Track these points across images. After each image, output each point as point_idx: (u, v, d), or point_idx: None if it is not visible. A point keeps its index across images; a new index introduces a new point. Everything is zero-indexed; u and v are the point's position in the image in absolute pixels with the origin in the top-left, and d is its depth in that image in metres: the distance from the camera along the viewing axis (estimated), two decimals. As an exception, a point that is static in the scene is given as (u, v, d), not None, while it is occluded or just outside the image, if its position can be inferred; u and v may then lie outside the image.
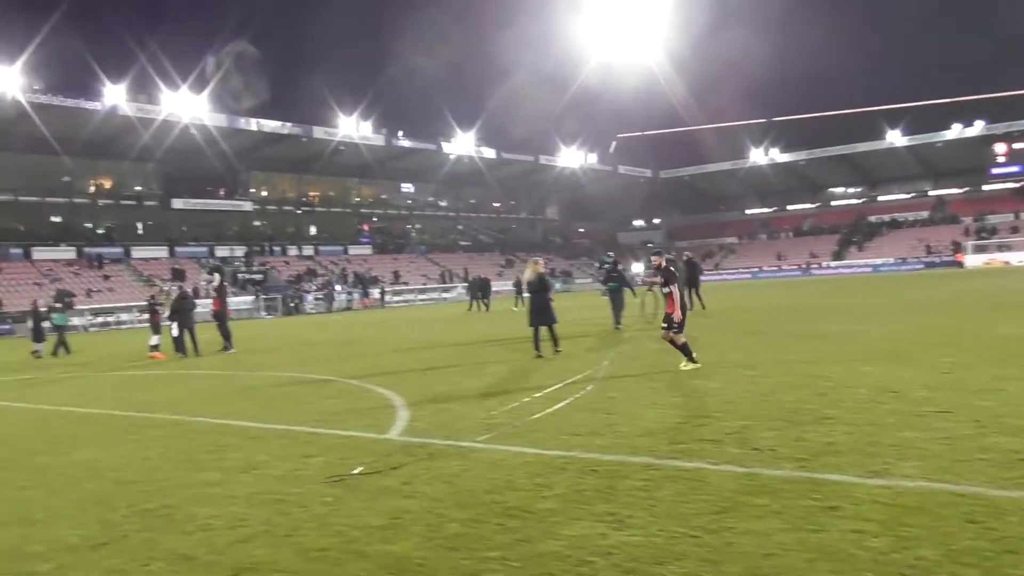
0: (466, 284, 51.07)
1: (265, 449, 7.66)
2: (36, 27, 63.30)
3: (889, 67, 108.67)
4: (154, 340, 20.22)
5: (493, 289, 42.25)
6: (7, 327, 43.87)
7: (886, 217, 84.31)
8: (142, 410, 10.80)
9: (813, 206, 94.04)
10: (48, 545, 5.09)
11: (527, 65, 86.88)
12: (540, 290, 14.65)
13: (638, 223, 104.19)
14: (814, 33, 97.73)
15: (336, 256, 68.88)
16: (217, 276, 21.40)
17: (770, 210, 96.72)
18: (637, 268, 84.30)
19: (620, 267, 21.09)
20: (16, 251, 53.12)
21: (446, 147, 71.36)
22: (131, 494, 6.21)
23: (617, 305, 19.85)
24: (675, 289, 11.40)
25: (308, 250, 67.85)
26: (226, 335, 21.05)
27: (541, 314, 14.51)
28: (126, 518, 5.57)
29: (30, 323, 25.82)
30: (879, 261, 73.55)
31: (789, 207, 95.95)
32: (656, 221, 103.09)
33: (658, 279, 11.77)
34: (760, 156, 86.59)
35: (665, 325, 11.44)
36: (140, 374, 16.52)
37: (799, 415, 7.75)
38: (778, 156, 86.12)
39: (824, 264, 77.63)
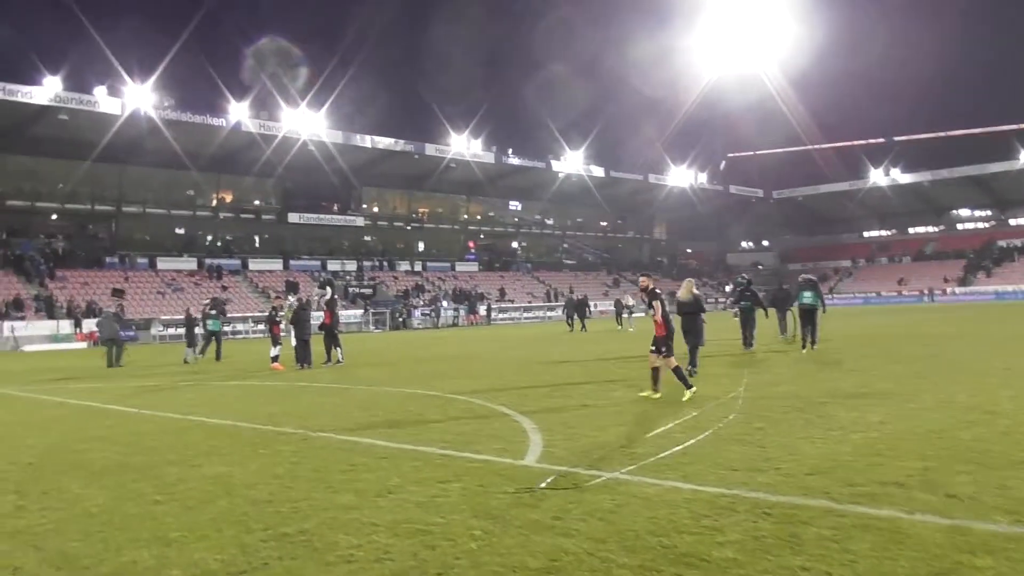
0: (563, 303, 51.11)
1: (398, 471, 7.27)
2: (167, 46, 66.66)
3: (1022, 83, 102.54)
4: (274, 351, 20.42)
5: (595, 309, 41.86)
6: (131, 333, 45.79)
7: (1018, 242, 79.15)
8: (269, 423, 10.65)
9: (936, 229, 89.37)
10: (187, 570, 4.77)
11: (638, 82, 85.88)
12: (694, 311, 14.51)
13: (746, 244, 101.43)
14: (940, 47, 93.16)
15: (443, 272, 69.48)
16: (329, 289, 21.51)
17: (889, 233, 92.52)
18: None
19: (753, 287, 20.25)
20: (142, 261, 55.70)
21: (555, 165, 71.13)
22: (267, 515, 5.89)
23: (748, 325, 19.29)
24: (659, 309, 11.22)
25: (416, 266, 68.70)
26: (336, 347, 21.14)
27: (691, 335, 14.35)
28: (264, 543, 5.22)
29: (184, 330, 26.79)
30: (1010, 288, 69.02)
31: (910, 230, 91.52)
32: (765, 243, 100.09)
33: (652, 300, 11.46)
34: (880, 177, 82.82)
35: (653, 348, 11.29)
36: (261, 384, 16.60)
37: (988, 457, 6.88)
38: (900, 177, 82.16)
39: (949, 291, 73.41)
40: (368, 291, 60.03)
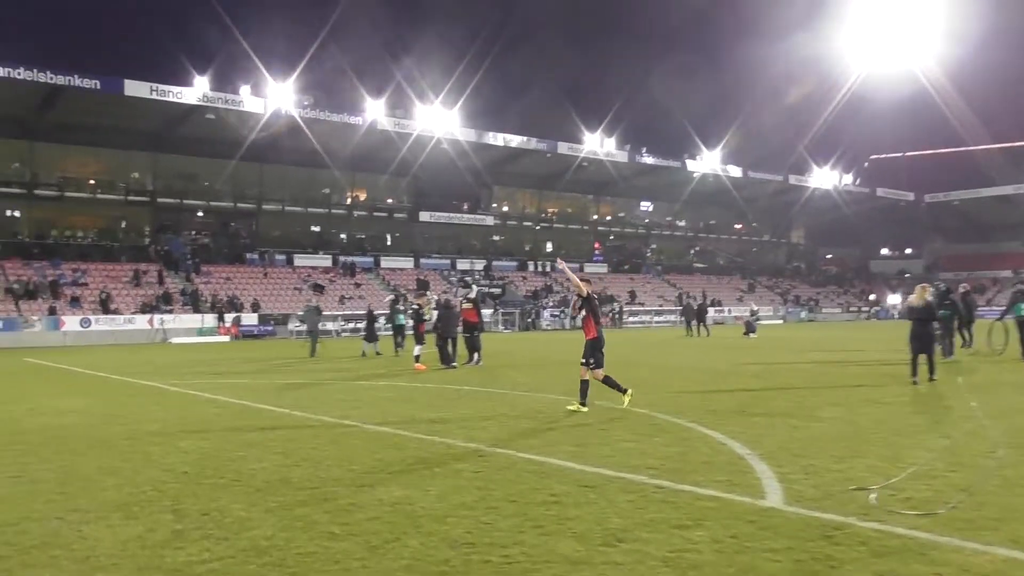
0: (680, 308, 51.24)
1: (613, 506, 5.92)
2: (308, 45, 68.14)
3: None
4: (418, 350, 19.59)
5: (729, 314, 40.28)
6: (269, 328, 46.68)
7: None
8: (432, 432, 9.54)
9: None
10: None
11: (780, 79, 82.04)
12: (927, 317, 13.75)
13: (885, 251, 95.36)
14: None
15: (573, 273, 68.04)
16: (475, 288, 20.57)
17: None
18: (894, 300, 76.79)
19: (952, 295, 18.04)
20: (280, 257, 56.86)
21: (690, 165, 68.55)
22: (475, 567, 4.65)
23: (947, 334, 17.31)
24: (591, 316, 11.04)
25: (544, 266, 67.58)
26: (476, 348, 20.26)
27: (922, 341, 13.77)
28: (487, 612, 3.97)
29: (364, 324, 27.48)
30: None
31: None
32: (908, 251, 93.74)
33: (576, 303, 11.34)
34: (1052, 179, 75.86)
35: (583, 360, 11.06)
36: (409, 385, 15.66)
37: None
38: (1074, 179, 75.04)
39: None
40: (497, 291, 59.32)
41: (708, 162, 69.02)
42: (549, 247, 72.20)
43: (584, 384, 11.03)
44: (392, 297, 30.35)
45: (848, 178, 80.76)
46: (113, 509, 6.14)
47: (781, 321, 64.82)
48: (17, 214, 50.50)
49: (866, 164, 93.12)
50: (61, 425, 10.84)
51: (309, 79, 51.21)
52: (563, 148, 61.85)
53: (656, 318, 62.13)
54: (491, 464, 7.61)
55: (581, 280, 11.50)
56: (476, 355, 20.10)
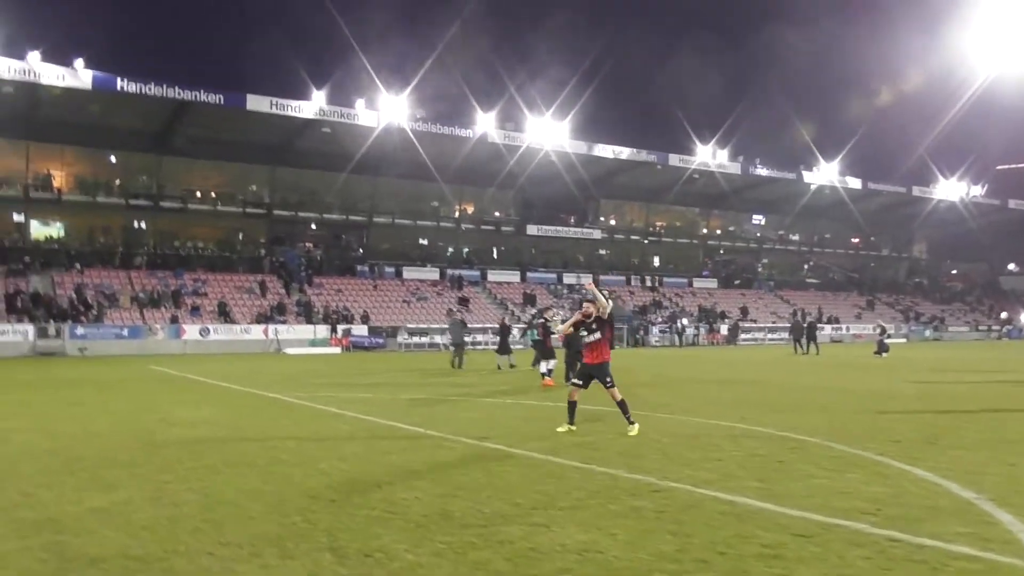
0: (789, 326, 49.66)
1: (850, 566, 4.90)
2: (421, 59, 68.77)
3: None
4: (543, 366, 18.81)
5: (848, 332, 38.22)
6: (380, 340, 46.87)
7: None
8: (587, 460, 8.65)
9: None
10: None
11: (903, 85, 78.07)
12: None
13: (1012, 267, 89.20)
14: None
15: (680, 288, 66.31)
16: (610, 302, 19.57)
17: None
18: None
19: None
20: (390, 270, 57.32)
21: (807, 176, 65.81)
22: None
23: None
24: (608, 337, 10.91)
25: (651, 281, 65.98)
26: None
27: None
28: None
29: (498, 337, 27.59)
30: None
31: None
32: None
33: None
34: None
35: (578, 381, 11.03)
36: (538, 404, 14.85)
37: None
38: None
39: None
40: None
41: (825, 173, 66.14)
42: (656, 261, 70.64)
43: (620, 405, 10.67)
44: (536, 311, 30.92)
45: (977, 189, 76.03)
46: (266, 543, 5.50)
47: (904, 340, 61.19)
48: (143, 225, 52.54)
49: (995, 174, 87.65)
50: (194, 438, 10.47)
51: (422, 93, 51.49)
52: (674, 160, 60.31)
53: (770, 335, 59.69)
54: (672, 501, 6.67)
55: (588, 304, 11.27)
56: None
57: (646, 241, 69.21)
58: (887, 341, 35.37)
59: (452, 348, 27.41)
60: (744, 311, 62.34)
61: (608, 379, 10.54)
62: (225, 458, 8.94)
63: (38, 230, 50.13)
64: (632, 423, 10.51)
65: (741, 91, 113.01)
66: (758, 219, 75.64)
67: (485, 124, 52.88)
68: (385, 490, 7.19)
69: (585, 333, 10.88)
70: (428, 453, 9.26)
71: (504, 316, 32.62)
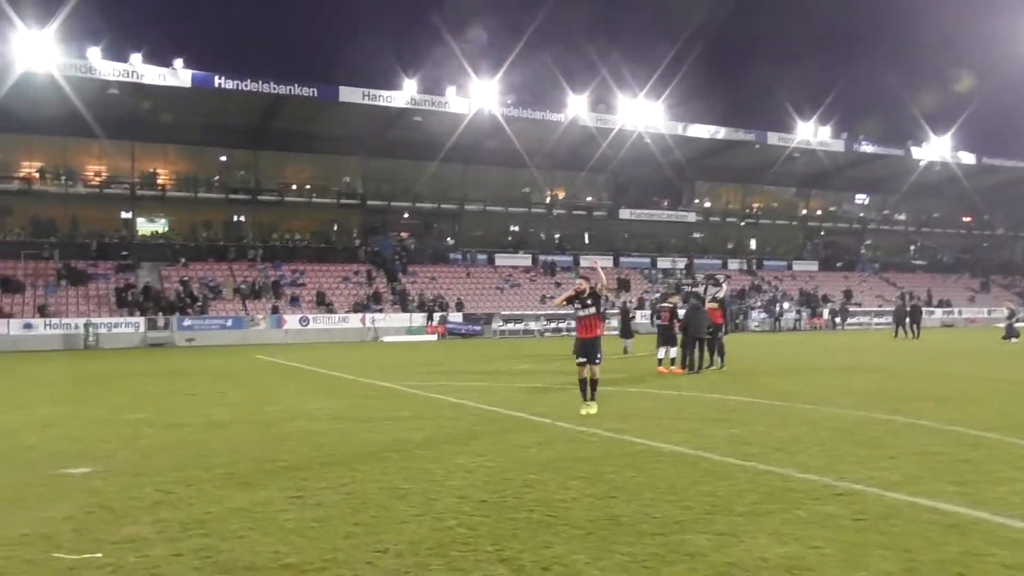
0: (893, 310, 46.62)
1: None
2: (512, 43, 68.18)
3: None
4: (661, 352, 18.06)
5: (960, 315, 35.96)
6: (477, 328, 46.71)
7: None
8: (747, 457, 7.92)
9: None
10: None
11: (1022, 50, 73.15)
12: None
13: None
14: None
15: (779, 271, 64.02)
16: (725, 286, 18.74)
17: None
18: None
19: None
20: (482, 257, 57.12)
21: (915, 152, 62.50)
22: None
23: None
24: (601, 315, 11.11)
25: (749, 264, 63.90)
26: (721, 351, 18.46)
27: None
28: None
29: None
30: None
31: None
32: None
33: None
34: None
35: (585, 358, 11.02)
36: (661, 393, 14.11)
37: None
38: None
39: None
40: (700, 290, 56.60)
41: (936, 149, 62.65)
42: (753, 244, 68.44)
43: (584, 383, 11.07)
44: (660, 295, 31.07)
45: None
46: (429, 552, 5.01)
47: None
48: (243, 219, 53.70)
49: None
50: (318, 430, 10.18)
51: (512, 78, 50.74)
52: (773, 138, 58.05)
53: (876, 320, 57.02)
54: (864, 508, 5.90)
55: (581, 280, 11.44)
56: (720, 359, 18.35)
57: (742, 223, 67.07)
58: (1017, 325, 33.03)
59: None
60: (848, 294, 59.75)
61: (598, 355, 10.93)
62: (355, 452, 8.58)
63: (144, 226, 51.80)
64: (590, 402, 10.96)
65: (845, 64, 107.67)
66: (861, 198, 72.34)
67: (576, 107, 51.90)
68: (537, 490, 6.64)
69: (579, 308, 11.11)
70: (566, 447, 8.69)
71: (626, 300, 32.65)
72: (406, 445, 8.97)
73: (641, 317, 41.32)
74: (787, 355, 25.78)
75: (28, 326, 38.50)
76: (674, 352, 17.93)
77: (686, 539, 5.17)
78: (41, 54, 38.45)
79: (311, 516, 5.96)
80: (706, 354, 18.31)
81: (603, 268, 12.03)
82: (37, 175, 47.37)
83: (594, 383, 11.05)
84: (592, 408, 10.91)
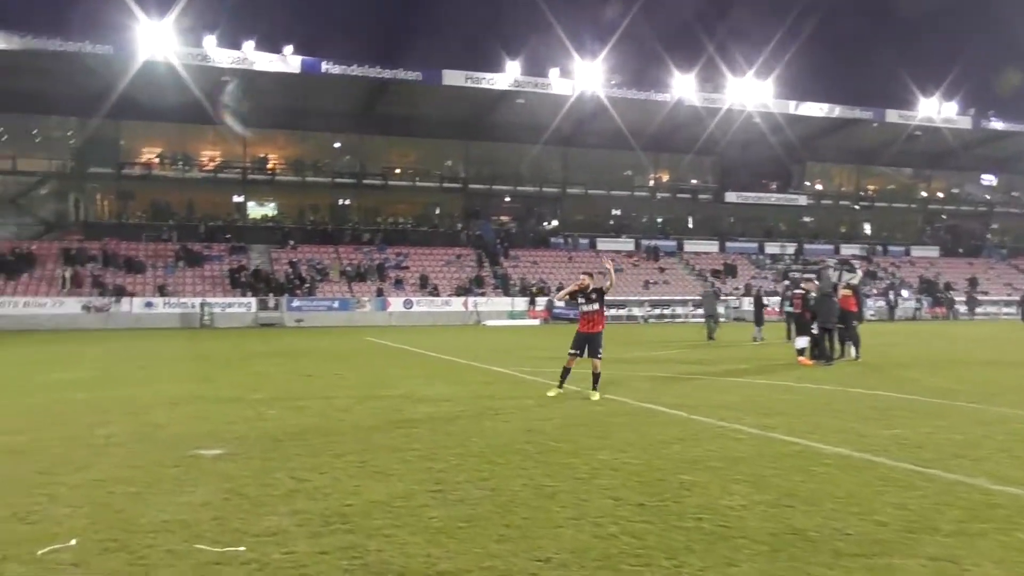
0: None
1: None
2: (617, 23, 66.80)
3: None
4: (799, 342, 17.11)
5: None
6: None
7: None
8: (929, 463, 7.08)
9: None
10: None
11: None
12: None
13: None
14: None
15: (896, 257, 60.95)
16: (859, 272, 17.60)
17: None
18: None
19: None
20: (584, 241, 56.38)
21: (1051, 129, 58.33)
22: None
23: None
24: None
25: (860, 249, 60.96)
26: (855, 341, 17.31)
27: None
28: None
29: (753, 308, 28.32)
30: None
31: None
32: None
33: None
34: None
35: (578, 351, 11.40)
36: (799, 386, 13.22)
37: None
38: None
39: None
40: (811, 276, 54.34)
41: (1074, 124, 58.25)
42: (868, 228, 65.42)
43: (595, 376, 11.38)
44: (786, 284, 30.45)
45: None
46: (597, 565, 4.48)
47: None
48: (348, 202, 54.54)
49: None
50: (443, 416, 9.82)
51: (617, 58, 49.70)
52: (892, 116, 55.11)
53: (1005, 309, 53.52)
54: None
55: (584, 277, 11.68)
56: (854, 350, 17.23)
57: (856, 207, 64.07)
58: None
59: (705, 320, 28.04)
60: (973, 282, 56.34)
61: (599, 350, 11.28)
62: (488, 442, 8.14)
63: (254, 210, 53.24)
64: (596, 390, 11.26)
65: (972, 31, 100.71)
66: (988, 179, 68.04)
67: (683, 87, 50.47)
68: (697, 493, 6.03)
69: (583, 300, 11.46)
70: (713, 444, 8.02)
71: (758, 287, 34.08)
72: (539, 436, 8.48)
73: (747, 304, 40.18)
74: (916, 346, 24.19)
75: (149, 305, 40.07)
76: (804, 342, 16.91)
77: (894, 564, 4.47)
78: (161, 43, 39.74)
79: (457, 514, 5.52)
80: (836, 344, 17.22)
81: (611, 268, 12.46)
82: (157, 160, 49.17)
83: (596, 376, 11.33)
84: (595, 395, 11.19)
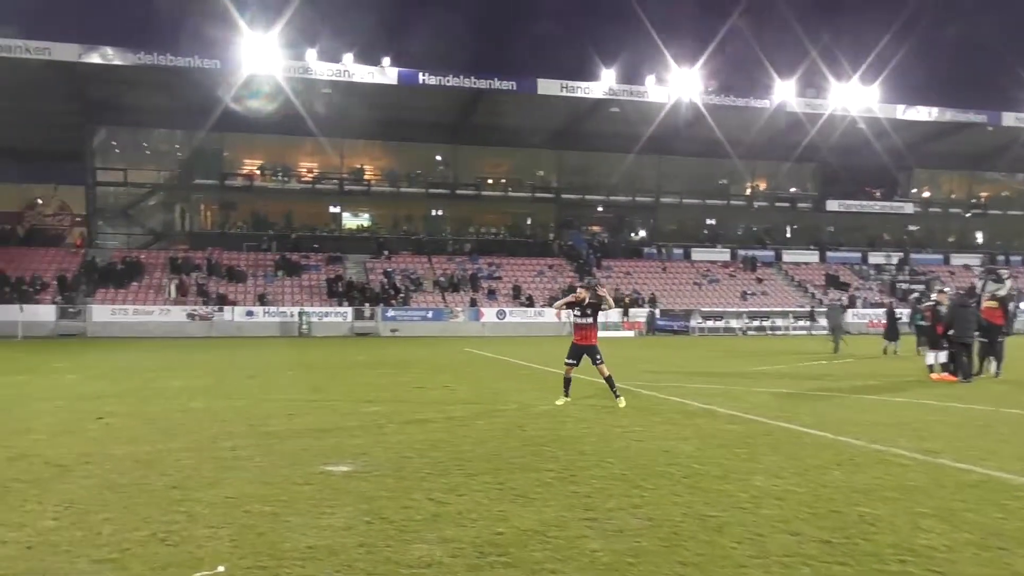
0: None
1: None
2: (714, 27, 65.31)
3: None
4: (931, 357, 16.04)
5: None
6: (684, 324, 45.07)
7: None
8: None
9: None
10: None
11: None
12: None
13: None
14: None
15: (1014, 267, 57.51)
16: (1008, 282, 16.39)
17: None
18: None
19: None
20: (678, 251, 55.23)
21: None
22: None
23: None
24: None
25: (970, 259, 57.81)
26: (999, 357, 16.07)
27: None
28: None
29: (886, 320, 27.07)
30: None
31: None
32: None
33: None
34: None
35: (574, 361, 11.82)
36: (944, 406, 12.22)
37: None
38: None
39: None
40: (919, 287, 51.85)
41: None
42: (980, 237, 62.11)
43: (608, 380, 11.67)
44: (916, 295, 30.59)
45: None
46: (807, 616, 3.92)
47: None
48: (441, 212, 54.81)
49: None
50: (569, 436, 9.32)
51: (715, 64, 48.52)
52: (1008, 119, 52.10)
53: None
54: None
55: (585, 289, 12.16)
56: (995, 365, 16.02)
57: (968, 215, 60.96)
58: None
59: (831, 332, 28.11)
60: (1099, 294, 52.68)
61: (598, 356, 11.61)
62: (628, 464, 7.62)
63: (348, 220, 54.05)
64: (618, 396, 11.56)
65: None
66: (1111, 184, 63.82)
67: (783, 92, 48.88)
68: (885, 530, 5.38)
69: (578, 314, 11.77)
70: (878, 470, 7.30)
71: (891, 301, 35.11)
72: (680, 458, 7.91)
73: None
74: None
75: (250, 313, 40.97)
76: (944, 356, 15.78)
77: None
78: (264, 57, 40.68)
79: (621, 548, 5.03)
80: (975, 359, 16.03)
81: (607, 293, 12.63)
82: (258, 172, 50.45)
83: (610, 380, 11.63)
84: (621, 401, 11.50)
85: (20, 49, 38.37)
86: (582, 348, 11.70)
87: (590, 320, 11.68)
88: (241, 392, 14.05)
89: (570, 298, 12.17)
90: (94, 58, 39.82)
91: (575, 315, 11.83)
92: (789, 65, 54.62)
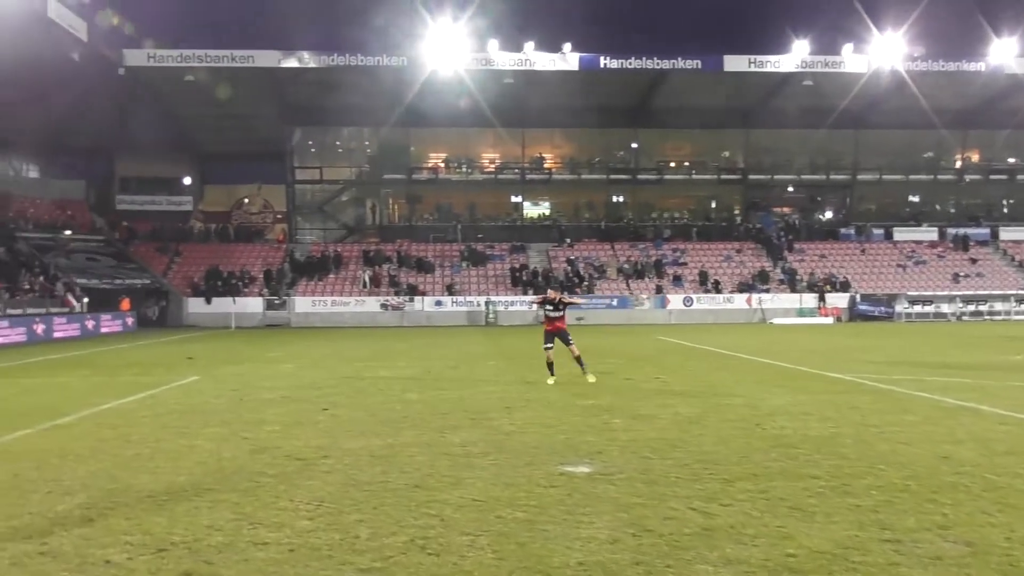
0: None
1: None
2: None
3: None
4: None
5: None
6: (888, 310, 42.02)
7: None
8: None
9: None
10: None
11: None
12: None
13: None
14: None
15: None
16: None
17: None
18: None
19: None
20: (878, 232, 51.39)
21: None
22: None
23: None
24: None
25: None
26: None
27: None
28: None
29: None
30: None
31: None
32: None
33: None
34: None
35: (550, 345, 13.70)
36: None
37: None
38: None
39: None
40: None
41: None
42: None
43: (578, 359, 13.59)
44: None
45: None
46: None
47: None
48: (622, 198, 53.90)
49: None
50: (819, 435, 8.44)
51: (920, 27, 44.37)
52: None
53: None
54: None
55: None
56: None
57: None
58: None
59: None
60: None
61: (569, 338, 13.59)
62: (906, 472, 6.69)
63: (529, 209, 54.23)
64: (587, 372, 13.54)
65: None
66: None
67: (1001, 53, 44.14)
68: None
69: (551, 308, 13.85)
70: None
71: None
72: (966, 466, 6.88)
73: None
74: None
75: (439, 303, 42.01)
76: None
77: None
78: (448, 52, 41.36)
79: (951, 582, 4.22)
80: None
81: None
82: (443, 164, 51.64)
83: (579, 359, 13.49)
84: (590, 377, 13.44)
85: (227, 59, 41.16)
86: (555, 332, 13.68)
87: (560, 313, 13.80)
88: (450, 382, 14.06)
89: (542, 297, 14.70)
90: (291, 62, 42.08)
91: (548, 310, 13.97)
92: (1009, 20, 49.18)
